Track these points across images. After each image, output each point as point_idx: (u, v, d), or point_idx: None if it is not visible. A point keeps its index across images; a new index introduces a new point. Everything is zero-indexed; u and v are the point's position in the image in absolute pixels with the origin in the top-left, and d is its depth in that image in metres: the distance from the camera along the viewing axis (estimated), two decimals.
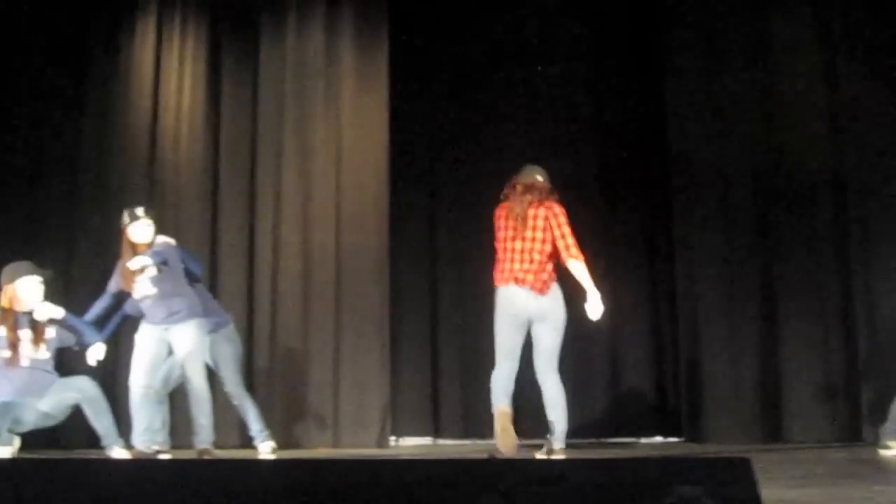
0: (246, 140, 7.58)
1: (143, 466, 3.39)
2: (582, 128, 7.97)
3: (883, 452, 5.57)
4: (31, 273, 5.72)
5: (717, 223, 7.26)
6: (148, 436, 5.72)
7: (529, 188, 5.58)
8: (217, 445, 5.99)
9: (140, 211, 5.83)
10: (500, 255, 5.59)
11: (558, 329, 5.48)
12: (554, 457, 5.30)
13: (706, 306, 7.21)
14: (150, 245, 5.80)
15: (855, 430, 6.76)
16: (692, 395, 7.21)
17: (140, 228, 5.79)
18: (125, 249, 5.80)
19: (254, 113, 7.61)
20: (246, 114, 7.62)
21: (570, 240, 5.52)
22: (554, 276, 5.52)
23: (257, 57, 7.66)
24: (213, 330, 6.13)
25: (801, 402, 6.95)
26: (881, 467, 5.10)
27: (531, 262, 5.46)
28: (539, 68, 7.88)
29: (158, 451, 5.85)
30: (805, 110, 7.22)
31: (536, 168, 5.75)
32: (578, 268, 5.51)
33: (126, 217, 5.81)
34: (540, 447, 5.51)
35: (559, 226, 5.53)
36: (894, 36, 7.08)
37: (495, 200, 5.71)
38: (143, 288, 5.65)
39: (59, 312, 5.70)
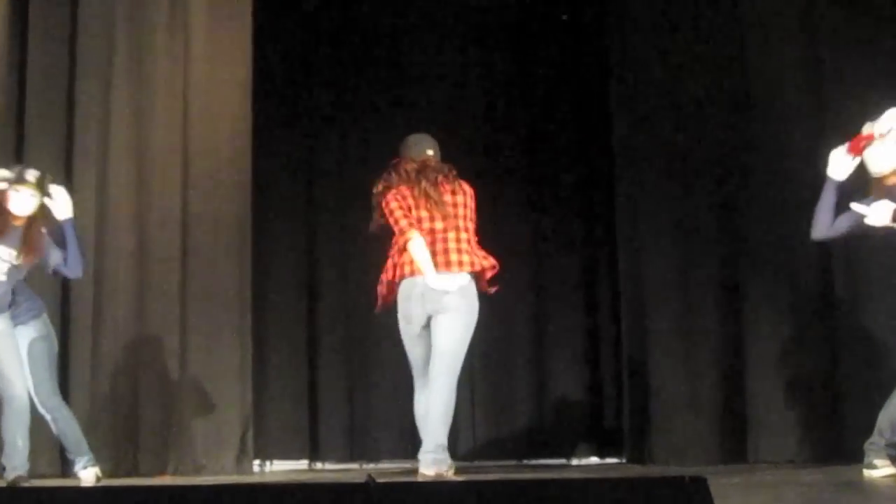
0: (61, 74, 6.51)
1: None
2: (496, 89, 7.46)
3: (868, 473, 5.04)
4: None
5: (667, 195, 6.76)
6: None
7: (423, 168, 5.20)
8: (31, 474, 5.30)
9: None
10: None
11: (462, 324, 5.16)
12: (448, 478, 4.92)
13: (654, 299, 6.72)
14: None
15: (835, 446, 6.21)
16: (635, 406, 6.79)
17: None
18: None
19: (73, 39, 6.51)
20: (61, 40, 6.51)
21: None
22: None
23: None
24: (22, 321, 5.34)
25: (770, 413, 6.47)
26: (865, 492, 4.61)
27: (458, 241, 5.14)
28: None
29: None
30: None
31: (426, 139, 5.32)
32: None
33: None
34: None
35: (471, 213, 5.23)
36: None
37: (384, 161, 5.24)
38: None
39: None
